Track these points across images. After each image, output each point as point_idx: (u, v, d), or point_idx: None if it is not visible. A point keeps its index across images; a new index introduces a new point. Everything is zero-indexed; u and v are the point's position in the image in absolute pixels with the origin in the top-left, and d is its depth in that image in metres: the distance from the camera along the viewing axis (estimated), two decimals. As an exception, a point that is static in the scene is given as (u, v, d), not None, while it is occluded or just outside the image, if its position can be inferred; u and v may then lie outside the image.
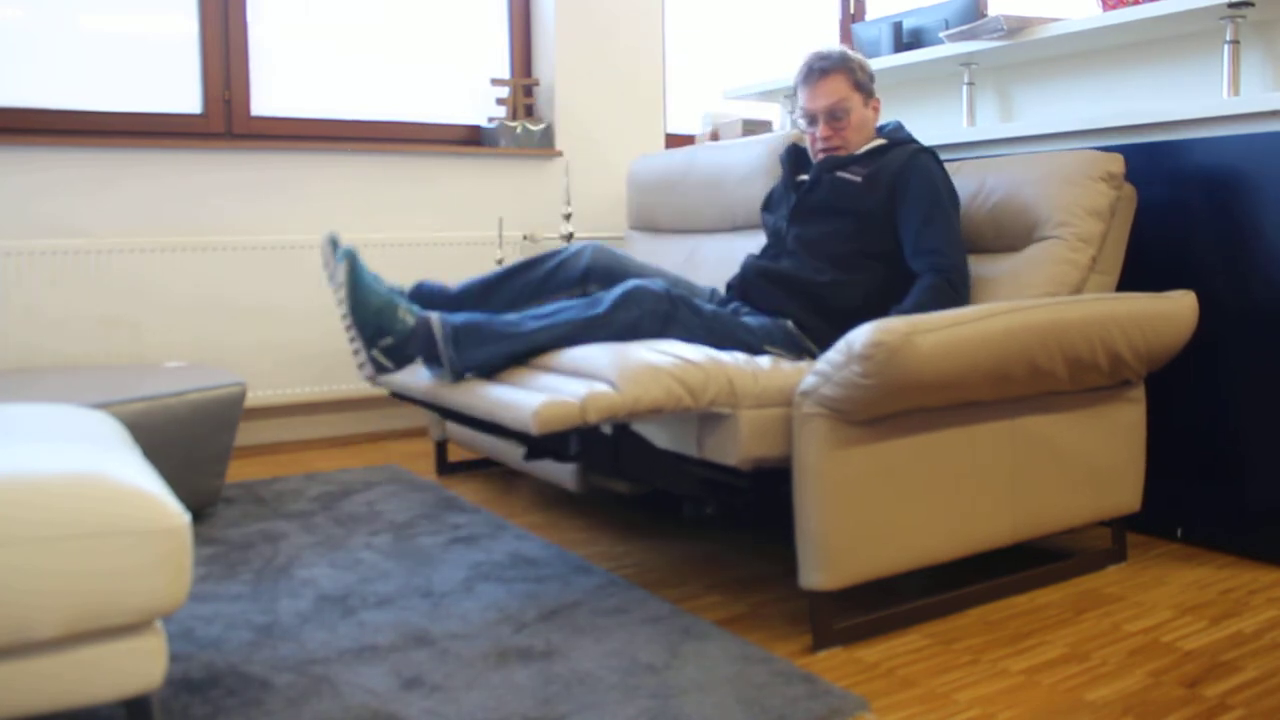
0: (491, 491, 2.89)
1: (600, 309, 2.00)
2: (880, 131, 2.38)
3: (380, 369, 2.00)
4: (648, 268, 2.37)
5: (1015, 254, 2.26)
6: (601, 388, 1.76)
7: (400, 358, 1.99)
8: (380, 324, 1.96)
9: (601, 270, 2.28)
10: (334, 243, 2.04)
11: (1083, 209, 2.17)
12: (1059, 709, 1.57)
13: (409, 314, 1.98)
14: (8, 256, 3.03)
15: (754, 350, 2.08)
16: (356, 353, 1.99)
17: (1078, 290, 2.16)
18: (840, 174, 2.29)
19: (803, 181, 2.38)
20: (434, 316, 1.97)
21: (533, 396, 1.77)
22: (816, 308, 2.20)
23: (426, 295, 2.23)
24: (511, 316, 2.04)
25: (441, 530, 2.48)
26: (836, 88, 2.30)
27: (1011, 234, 2.28)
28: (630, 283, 2.05)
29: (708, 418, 1.89)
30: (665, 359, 1.81)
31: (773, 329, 2.17)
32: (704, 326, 2.06)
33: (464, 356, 1.95)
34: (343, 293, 1.95)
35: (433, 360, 1.97)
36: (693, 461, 1.96)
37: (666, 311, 2.02)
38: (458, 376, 1.97)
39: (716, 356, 1.87)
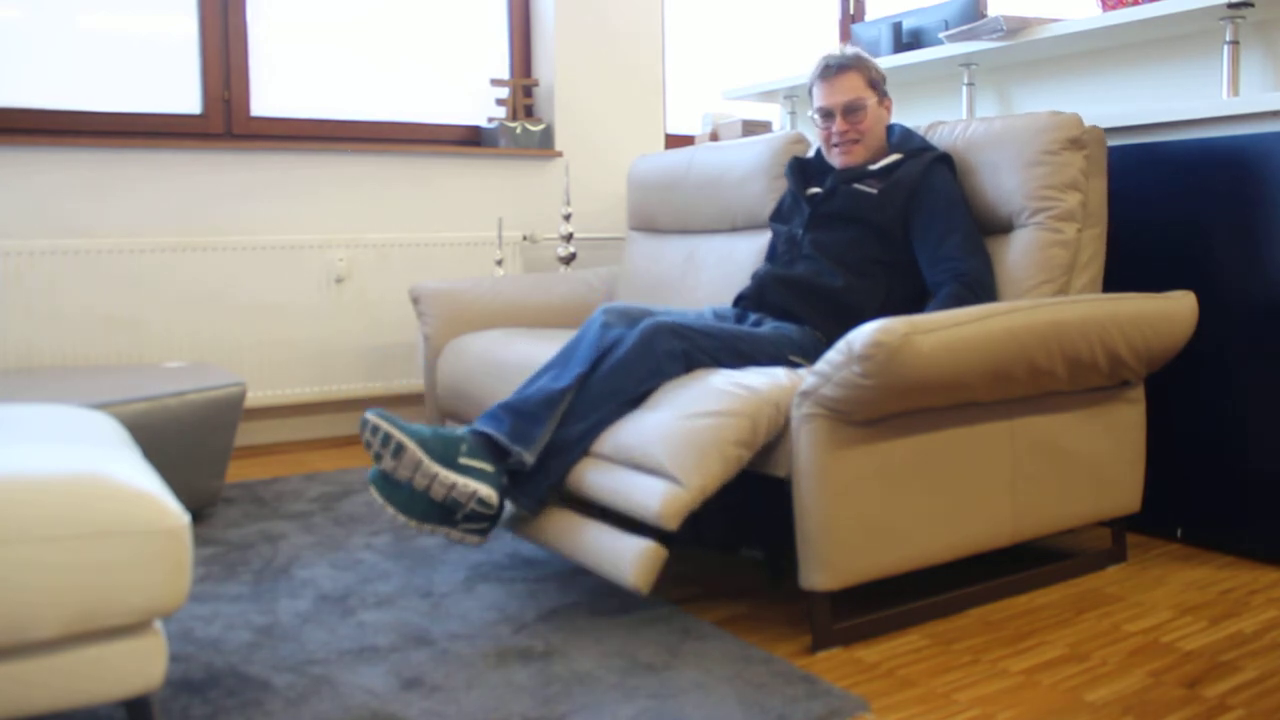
0: (491, 491, 2.89)
1: (620, 359, 1.99)
2: (890, 139, 2.37)
3: (480, 533, 2.01)
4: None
5: (1002, 237, 2.24)
6: (670, 490, 1.77)
7: (483, 516, 1.98)
8: (444, 504, 1.97)
9: (617, 314, 2.20)
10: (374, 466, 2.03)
11: (1056, 189, 2.15)
12: (1059, 709, 1.57)
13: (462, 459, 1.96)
14: (8, 256, 3.03)
15: (780, 361, 2.06)
16: (447, 536, 2.00)
17: (1073, 261, 2.15)
18: (857, 186, 2.29)
19: (814, 194, 2.37)
20: (483, 429, 1.98)
21: (622, 545, 1.83)
22: (830, 313, 2.19)
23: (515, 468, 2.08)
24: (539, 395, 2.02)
25: (441, 530, 2.48)
26: (853, 84, 2.31)
27: (990, 219, 2.26)
28: (644, 324, 2.02)
29: None
30: (711, 424, 1.79)
31: (799, 336, 2.15)
32: (725, 348, 2.03)
33: (529, 439, 1.97)
34: (390, 510, 1.97)
35: (506, 457, 1.97)
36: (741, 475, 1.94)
37: (684, 349, 1.99)
38: (537, 459, 1.98)
39: (753, 387, 1.84)
